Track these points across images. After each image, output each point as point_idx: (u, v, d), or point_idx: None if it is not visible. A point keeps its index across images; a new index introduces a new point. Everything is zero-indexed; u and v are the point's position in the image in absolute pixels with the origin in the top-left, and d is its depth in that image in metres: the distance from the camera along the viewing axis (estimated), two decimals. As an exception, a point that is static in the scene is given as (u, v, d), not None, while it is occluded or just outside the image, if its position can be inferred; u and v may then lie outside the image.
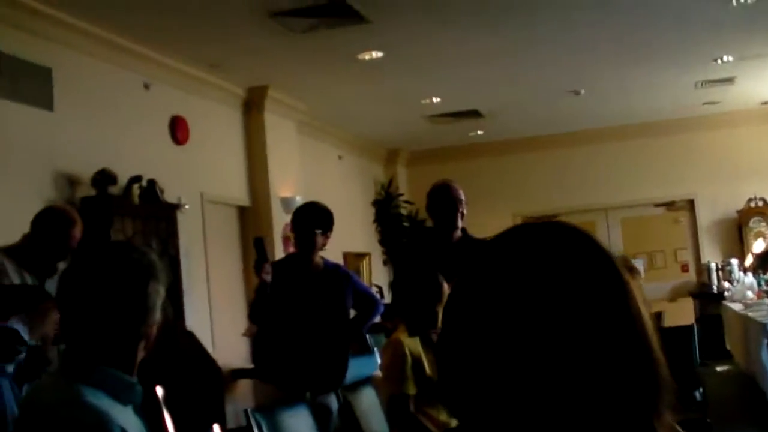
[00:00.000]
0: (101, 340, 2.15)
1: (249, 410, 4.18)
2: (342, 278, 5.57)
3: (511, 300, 1.06)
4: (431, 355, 4.55)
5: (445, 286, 4.64)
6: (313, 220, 5.40)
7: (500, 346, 1.05)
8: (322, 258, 5.58)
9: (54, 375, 2.29)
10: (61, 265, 4.35)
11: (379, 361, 5.84)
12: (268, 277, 5.23)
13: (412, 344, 4.56)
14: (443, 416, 4.45)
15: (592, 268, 1.09)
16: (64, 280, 2.25)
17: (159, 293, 2.23)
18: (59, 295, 2.24)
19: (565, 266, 1.08)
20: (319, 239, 5.40)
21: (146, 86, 7.96)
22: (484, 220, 11.81)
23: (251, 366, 7.22)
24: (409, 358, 4.51)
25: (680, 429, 1.31)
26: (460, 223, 5.44)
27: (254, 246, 5.33)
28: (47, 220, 4.48)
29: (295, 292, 5.35)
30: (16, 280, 4.23)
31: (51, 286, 4.34)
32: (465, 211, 5.45)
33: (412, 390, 4.49)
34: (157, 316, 2.24)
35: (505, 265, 1.11)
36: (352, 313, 5.72)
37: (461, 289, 1.14)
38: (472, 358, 1.08)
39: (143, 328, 2.18)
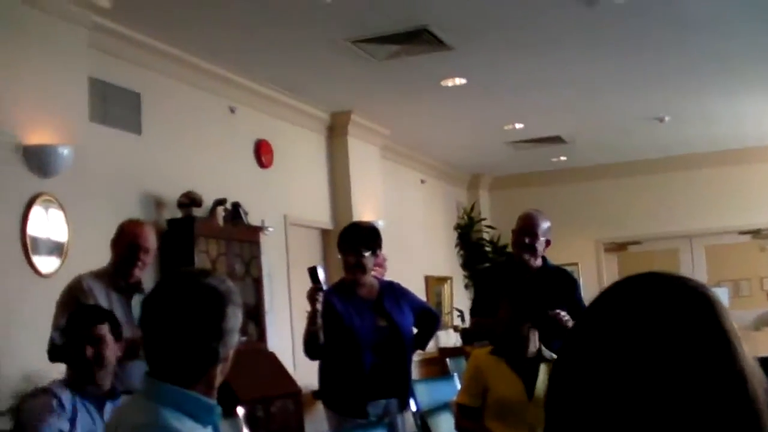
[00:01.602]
0: (182, 363, 2.22)
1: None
2: (398, 296, 5.28)
3: (618, 359, 1.09)
4: (514, 376, 4.46)
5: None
6: (358, 241, 5.12)
7: (609, 403, 1.08)
8: (376, 278, 5.33)
9: (137, 396, 2.36)
10: (139, 273, 4.52)
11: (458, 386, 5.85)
12: (319, 306, 4.89)
13: (489, 361, 4.53)
14: None
15: (697, 329, 1.10)
16: (146, 305, 2.33)
17: (237, 317, 2.30)
18: (142, 319, 2.32)
19: (669, 327, 1.09)
20: (368, 260, 5.12)
21: (232, 110, 8.10)
22: (567, 244, 11.82)
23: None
24: (477, 373, 4.52)
25: None
26: (529, 256, 5.41)
27: (309, 275, 4.90)
28: (117, 234, 4.66)
29: (350, 318, 5.06)
30: (103, 301, 4.36)
31: (137, 302, 4.47)
32: (542, 242, 5.40)
33: (467, 401, 4.51)
34: (235, 339, 2.30)
35: (610, 325, 1.13)
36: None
37: (571, 347, 1.18)
38: (582, 413, 1.11)
39: (222, 351, 2.25)
